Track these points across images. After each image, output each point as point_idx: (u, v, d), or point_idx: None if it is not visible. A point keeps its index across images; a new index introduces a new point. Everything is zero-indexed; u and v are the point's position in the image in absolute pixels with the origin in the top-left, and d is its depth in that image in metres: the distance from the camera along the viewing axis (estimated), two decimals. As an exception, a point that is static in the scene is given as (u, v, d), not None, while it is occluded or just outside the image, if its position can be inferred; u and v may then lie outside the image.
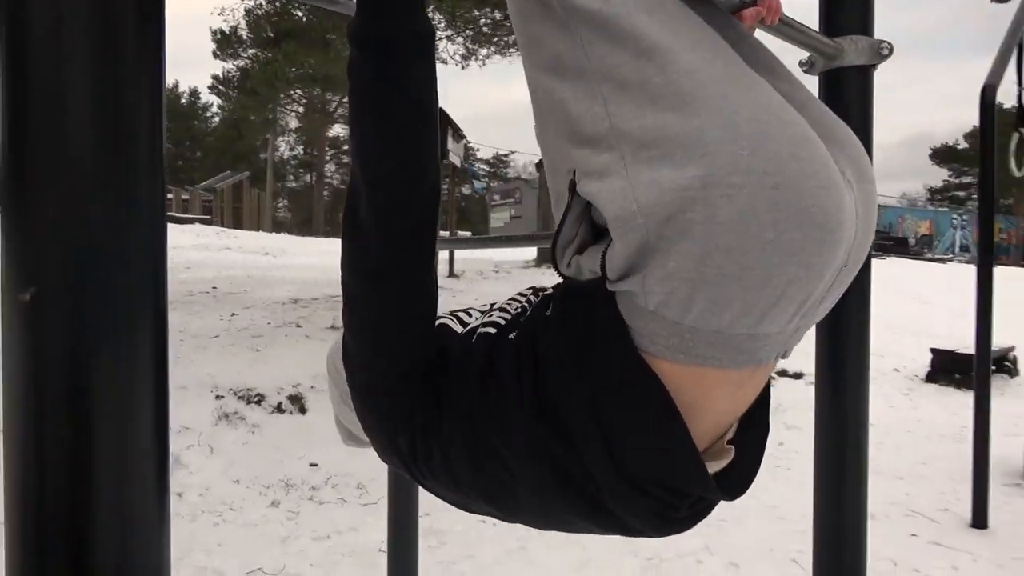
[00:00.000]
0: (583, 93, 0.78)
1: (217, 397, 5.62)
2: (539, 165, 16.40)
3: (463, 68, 15.37)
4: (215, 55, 25.99)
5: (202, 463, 4.91)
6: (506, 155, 51.86)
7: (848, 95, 1.57)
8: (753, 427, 0.88)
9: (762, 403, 0.88)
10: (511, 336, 0.89)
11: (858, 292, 1.59)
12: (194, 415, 5.34)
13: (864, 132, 1.61)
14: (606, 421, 0.79)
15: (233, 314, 7.79)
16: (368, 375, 0.92)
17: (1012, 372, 9.41)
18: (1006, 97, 5.39)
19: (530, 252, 15.60)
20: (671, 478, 0.82)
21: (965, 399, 8.38)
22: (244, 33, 23.53)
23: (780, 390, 8.29)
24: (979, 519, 4.48)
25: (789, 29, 1.33)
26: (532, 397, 0.82)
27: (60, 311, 0.65)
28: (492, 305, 1.02)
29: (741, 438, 0.88)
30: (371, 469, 5.23)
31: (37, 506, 0.64)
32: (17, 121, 0.65)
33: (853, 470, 1.60)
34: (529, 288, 1.05)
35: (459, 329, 0.98)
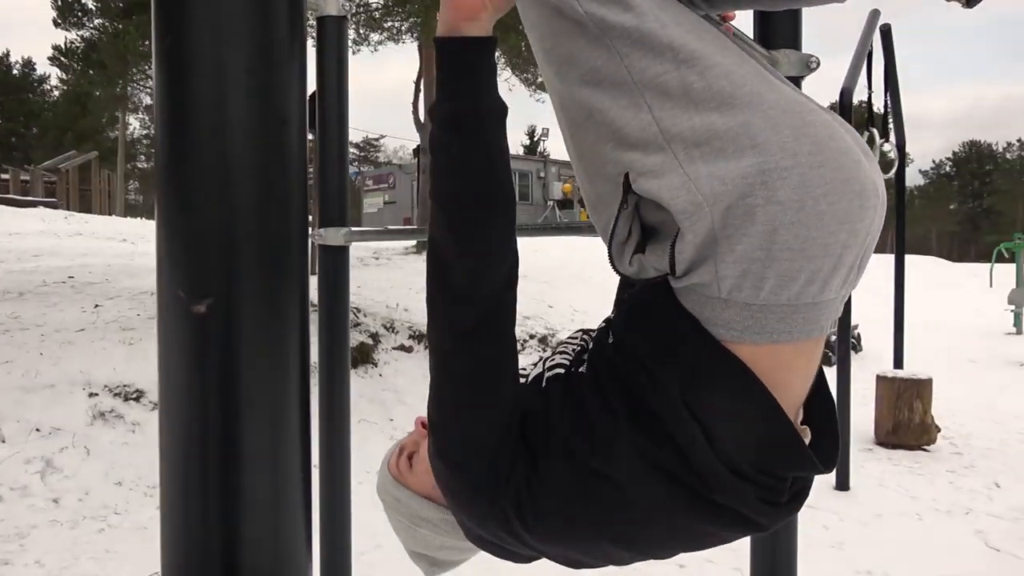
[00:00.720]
0: (626, 102, 0.83)
1: (91, 395, 5.25)
2: (416, 151, 16.26)
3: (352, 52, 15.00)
4: (56, 23, 23.87)
5: (78, 466, 4.59)
6: (377, 139, 50.96)
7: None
8: (818, 399, 0.95)
9: (819, 376, 0.95)
10: (581, 369, 0.94)
11: None
12: (65, 415, 4.96)
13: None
14: (703, 415, 0.83)
15: (97, 305, 7.27)
16: (464, 436, 0.90)
17: (857, 348, 10.37)
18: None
19: (409, 239, 15.46)
20: (775, 460, 0.86)
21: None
22: (89, 2, 21.77)
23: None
24: (842, 482, 4.94)
25: (739, 41, 1.43)
26: (626, 410, 0.86)
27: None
28: (544, 357, 1.05)
29: (808, 415, 0.94)
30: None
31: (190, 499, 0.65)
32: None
33: None
34: (578, 331, 1.09)
35: (522, 382, 0.99)
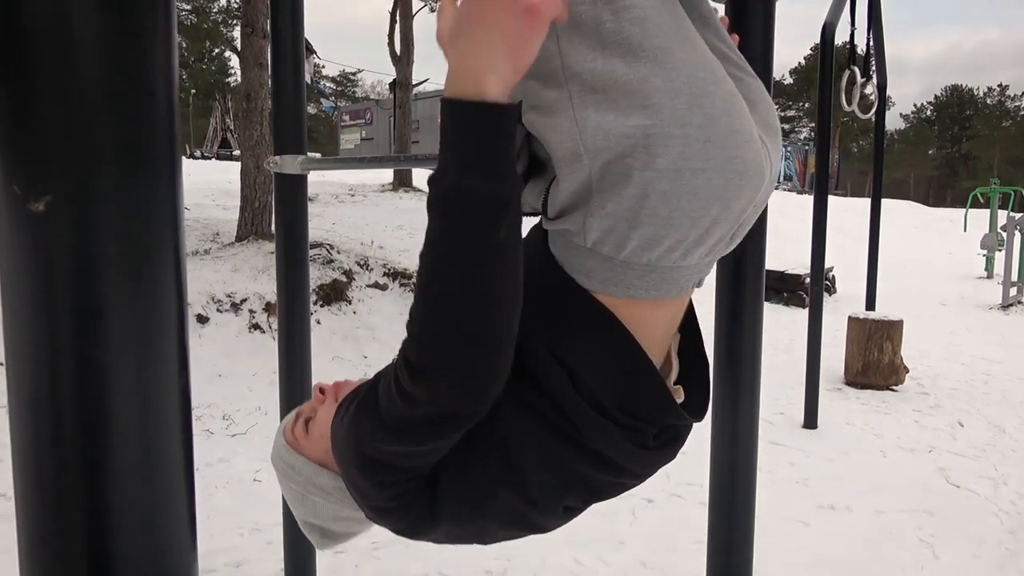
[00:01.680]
0: None
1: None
2: (392, 85, 15.87)
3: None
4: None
5: None
6: (354, 73, 49.67)
7: (753, 22, 1.64)
8: (692, 354, 0.97)
9: (694, 333, 0.97)
10: None
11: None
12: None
13: (765, 61, 1.69)
14: (568, 359, 0.82)
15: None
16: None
17: (831, 290, 10.46)
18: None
19: (387, 175, 15.23)
20: (640, 403, 0.85)
21: (793, 315, 9.26)
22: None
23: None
24: (810, 421, 5.02)
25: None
26: None
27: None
28: None
29: (682, 370, 0.96)
30: (236, 399, 5.06)
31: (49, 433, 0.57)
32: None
33: (748, 382, 1.71)
34: None
35: None
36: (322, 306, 6.53)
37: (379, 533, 3.55)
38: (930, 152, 67.78)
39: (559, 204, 0.81)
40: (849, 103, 5.74)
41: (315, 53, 14.80)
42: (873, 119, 6.47)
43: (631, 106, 0.75)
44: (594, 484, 0.90)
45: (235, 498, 3.65)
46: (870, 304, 6.87)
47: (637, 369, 0.84)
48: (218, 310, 5.94)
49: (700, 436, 2.89)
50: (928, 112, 69.35)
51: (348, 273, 7.00)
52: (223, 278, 6.31)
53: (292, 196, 2.03)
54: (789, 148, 32.35)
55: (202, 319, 5.78)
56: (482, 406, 0.78)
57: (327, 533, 1.02)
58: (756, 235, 1.64)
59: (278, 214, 2.11)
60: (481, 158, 0.68)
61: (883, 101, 6.34)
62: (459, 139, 0.69)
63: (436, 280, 0.71)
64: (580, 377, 0.83)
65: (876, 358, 5.97)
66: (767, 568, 3.07)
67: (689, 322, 0.97)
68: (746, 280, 1.66)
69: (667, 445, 0.93)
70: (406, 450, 0.81)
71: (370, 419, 0.82)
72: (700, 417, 0.95)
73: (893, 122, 70.36)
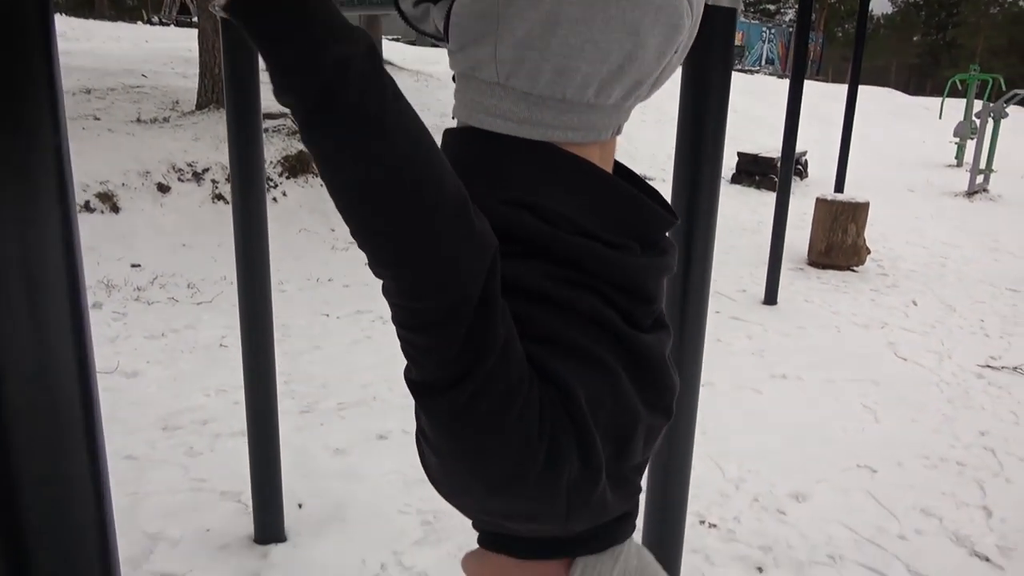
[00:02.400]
0: None
1: None
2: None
3: None
4: None
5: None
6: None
7: None
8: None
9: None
10: None
11: (716, 96, 1.59)
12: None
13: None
14: (525, 199, 0.78)
15: None
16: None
17: (802, 175, 10.48)
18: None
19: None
20: (612, 209, 0.82)
21: (763, 198, 9.30)
22: None
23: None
24: (770, 297, 5.13)
25: None
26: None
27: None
28: None
29: None
30: (201, 269, 5.03)
31: None
32: None
33: (700, 259, 1.69)
34: None
35: None
36: (288, 178, 6.40)
37: (346, 393, 3.58)
38: (915, 39, 66.41)
39: (463, 31, 0.77)
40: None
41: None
42: (869, 4, 6.28)
43: None
44: (617, 324, 0.83)
45: (201, 362, 3.69)
46: (839, 186, 6.91)
47: (597, 181, 0.81)
48: (179, 179, 5.80)
49: None
50: (916, -4, 67.45)
51: (314, 145, 6.84)
52: (184, 147, 6.12)
53: (241, 41, 1.93)
54: (773, 31, 31.48)
55: (163, 188, 5.65)
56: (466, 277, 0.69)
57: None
58: (716, 115, 1.59)
59: (226, 64, 2.01)
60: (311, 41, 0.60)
61: (868, -25, 6.13)
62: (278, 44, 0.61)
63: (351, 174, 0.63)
64: (545, 207, 0.78)
65: (840, 239, 6.06)
66: (718, 430, 3.22)
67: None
68: (703, 164, 1.62)
69: (658, 256, 0.89)
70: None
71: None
72: (674, 214, 0.91)
73: (881, 6, 68.40)
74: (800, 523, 2.60)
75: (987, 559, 2.45)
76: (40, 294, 0.54)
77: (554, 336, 0.77)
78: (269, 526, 2.36)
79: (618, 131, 0.86)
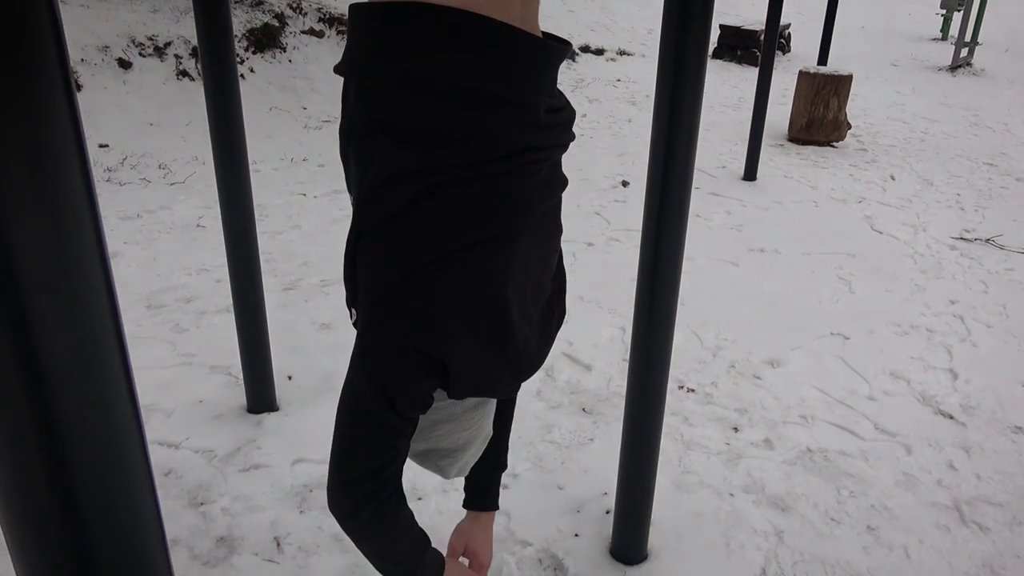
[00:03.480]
0: None
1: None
2: None
3: None
4: None
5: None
6: None
7: None
8: None
9: None
10: None
11: None
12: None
13: None
14: (422, 73, 0.86)
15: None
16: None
17: (785, 49, 10.23)
18: None
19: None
20: (508, 61, 0.88)
21: (744, 73, 9.11)
22: None
23: (583, 65, 8.49)
24: (750, 173, 5.12)
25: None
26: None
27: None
28: None
29: None
30: (171, 149, 4.88)
31: None
32: None
33: (684, 144, 1.65)
34: None
35: None
36: (254, 53, 6.13)
37: (329, 270, 3.57)
38: (905, -96, 63.38)
39: None
40: None
41: None
42: None
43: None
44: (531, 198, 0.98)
45: (179, 242, 3.65)
46: (822, 59, 6.77)
47: (491, 35, 0.85)
48: (141, 54, 5.53)
49: (640, 188, 2.84)
50: None
51: (280, 17, 6.51)
52: (142, 19, 5.81)
53: None
54: None
55: (124, 64, 5.39)
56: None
57: (441, 454, 1.17)
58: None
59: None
60: None
61: None
62: None
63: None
64: (439, 73, 0.86)
65: (821, 113, 5.99)
66: (697, 301, 3.29)
67: None
68: (689, 38, 1.54)
69: (560, 125, 0.98)
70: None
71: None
72: (568, 44, 0.99)
73: None
74: (774, 387, 2.71)
75: (951, 417, 2.59)
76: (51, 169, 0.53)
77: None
78: (261, 397, 2.41)
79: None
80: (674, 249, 1.70)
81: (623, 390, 1.89)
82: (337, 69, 0.91)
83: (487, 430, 1.19)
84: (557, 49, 0.93)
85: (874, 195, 4.95)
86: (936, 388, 2.75)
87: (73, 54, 5.14)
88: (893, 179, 5.32)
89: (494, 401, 1.20)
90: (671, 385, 2.58)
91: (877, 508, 2.14)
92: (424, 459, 1.16)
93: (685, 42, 1.52)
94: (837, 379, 2.79)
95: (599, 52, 8.85)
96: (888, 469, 2.31)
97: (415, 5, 0.82)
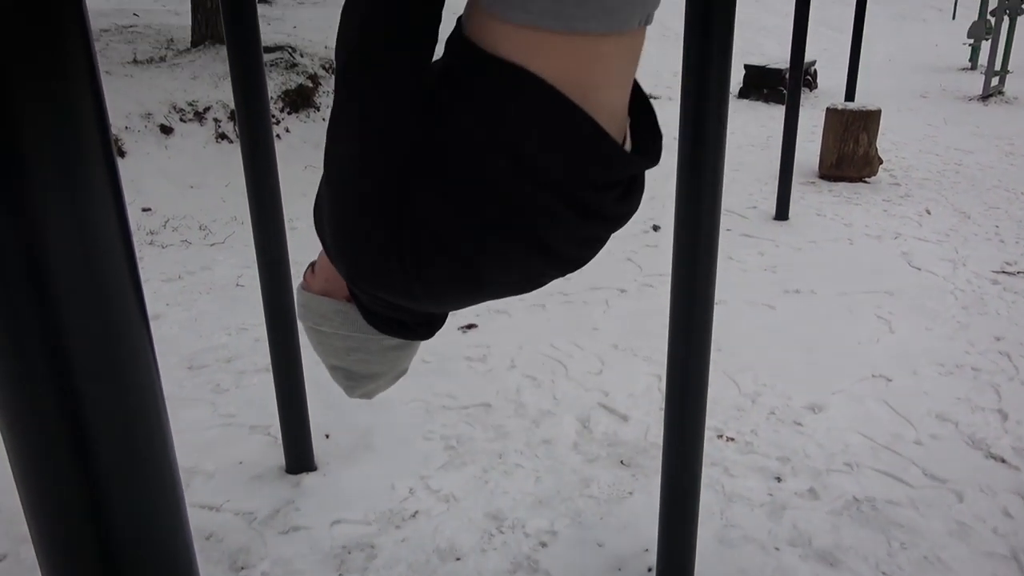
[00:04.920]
0: None
1: None
2: None
3: None
4: None
5: None
6: None
7: None
8: (638, 107, 0.88)
9: (640, 97, 0.88)
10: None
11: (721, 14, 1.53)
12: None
13: None
14: (502, 136, 0.75)
15: None
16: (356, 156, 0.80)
17: (812, 85, 10.23)
18: None
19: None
20: (585, 162, 0.78)
21: (771, 111, 9.12)
22: None
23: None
24: (781, 213, 5.10)
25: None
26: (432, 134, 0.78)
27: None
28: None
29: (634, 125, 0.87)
30: (211, 210, 5.02)
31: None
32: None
33: (709, 182, 1.66)
34: None
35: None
36: (289, 113, 6.32)
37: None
38: (927, -64, 63.63)
39: None
40: None
41: None
42: None
43: None
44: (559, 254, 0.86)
45: (219, 302, 3.73)
46: (849, 95, 6.76)
47: (572, 126, 0.76)
48: (181, 120, 5.74)
49: (670, 232, 2.86)
50: None
51: (314, 78, 6.71)
52: (183, 86, 6.03)
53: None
54: (778, -66, 30.19)
55: (166, 129, 5.59)
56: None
57: (351, 375, 1.09)
58: (723, 26, 1.54)
59: (224, 9, 1.96)
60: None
61: None
62: None
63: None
64: (516, 151, 0.75)
65: (851, 149, 5.96)
66: (733, 345, 3.25)
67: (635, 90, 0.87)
68: (711, 79, 1.57)
69: (626, 199, 0.87)
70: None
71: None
72: (655, 159, 0.87)
73: (891, -98, 65.27)
74: (817, 433, 2.66)
75: (1003, 460, 2.51)
76: (98, 246, 0.58)
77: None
78: (299, 456, 2.44)
79: (648, 20, 0.78)
80: (704, 293, 1.71)
81: (661, 440, 1.87)
82: None
83: (401, 369, 1.15)
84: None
85: (910, 230, 4.88)
86: (986, 430, 2.67)
87: (117, 122, 5.35)
88: (929, 213, 5.25)
89: (415, 346, 1.14)
90: (709, 434, 2.55)
91: (930, 560, 2.07)
92: (333, 371, 1.13)
93: (705, 84, 1.55)
94: (881, 423, 2.72)
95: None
96: (940, 518, 2.23)
97: None
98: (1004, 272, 4.14)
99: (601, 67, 0.77)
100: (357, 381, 1.11)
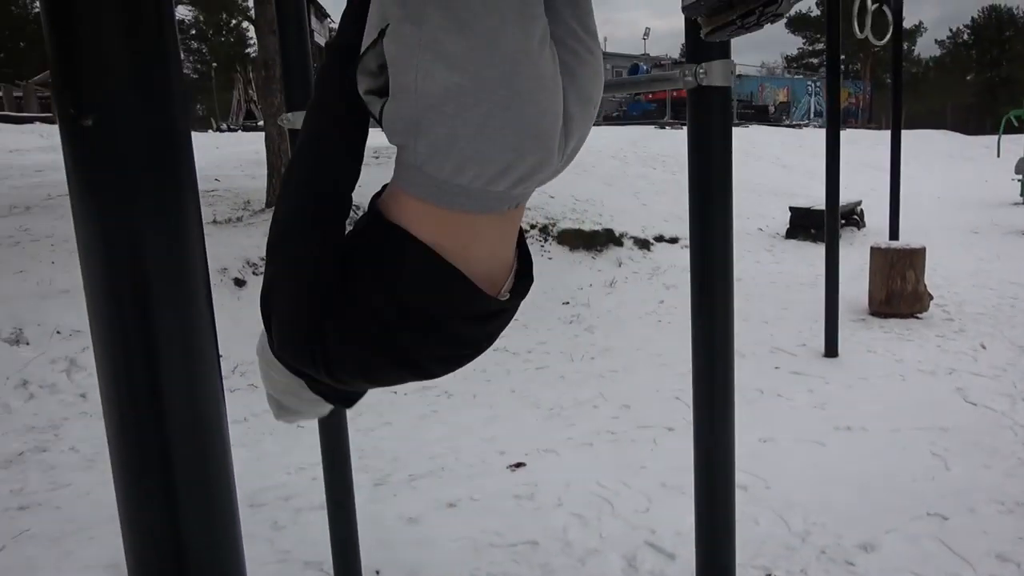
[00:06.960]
0: None
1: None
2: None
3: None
4: (31, -73, 22.92)
5: (99, 365, 4.83)
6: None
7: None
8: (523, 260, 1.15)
9: (525, 256, 1.15)
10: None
11: (719, 160, 1.75)
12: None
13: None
14: (397, 286, 1.01)
15: (103, 215, 7.39)
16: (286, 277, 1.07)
17: (859, 224, 10.40)
18: (857, -38, 5.68)
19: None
20: (454, 303, 1.03)
21: (819, 251, 9.23)
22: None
23: (658, 254, 8.85)
24: (831, 349, 5.12)
25: None
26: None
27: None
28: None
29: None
30: (276, 356, 5.32)
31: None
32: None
33: (721, 316, 1.83)
34: None
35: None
36: (352, 265, 6.74)
37: (416, 465, 3.73)
38: (968, 78, 65.31)
39: (394, 122, 0.98)
40: (861, 30, 5.70)
41: (328, 16, 14.80)
42: (903, 46, 6.39)
43: (456, 66, 0.93)
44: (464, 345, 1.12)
45: (281, 443, 3.91)
46: (893, 234, 6.88)
47: (446, 278, 1.01)
48: (254, 273, 6.19)
49: (683, 377, 3.01)
50: (965, 36, 66.64)
51: (376, 232, 7.19)
52: (256, 243, 6.54)
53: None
54: (818, 83, 31.52)
55: (239, 283, 6.04)
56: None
57: (280, 406, 1.26)
58: (720, 170, 1.75)
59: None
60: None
61: (899, 26, 6.25)
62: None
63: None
64: (406, 302, 1.02)
65: (899, 287, 6.01)
66: (782, 484, 3.24)
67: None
68: (714, 218, 1.78)
69: (492, 323, 1.12)
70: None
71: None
72: (521, 297, 1.13)
73: (928, 49, 67.83)
74: (869, 573, 2.60)
75: (1068, 602, 2.40)
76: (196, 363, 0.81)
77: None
78: (351, 594, 2.50)
79: (516, 205, 1.05)
80: (725, 432, 1.81)
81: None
82: None
83: (322, 412, 1.28)
84: None
85: (964, 365, 4.83)
86: (1050, 571, 2.57)
87: (212, 276, 5.82)
88: (984, 348, 5.19)
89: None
90: (756, 574, 2.53)
91: None
92: (269, 398, 1.27)
93: (711, 232, 1.75)
94: (938, 564, 2.65)
95: (673, 240, 9.24)
96: (1003, 663, 2.14)
97: None
98: (1065, 406, 4.04)
99: (478, 236, 1.03)
100: (284, 411, 1.29)
